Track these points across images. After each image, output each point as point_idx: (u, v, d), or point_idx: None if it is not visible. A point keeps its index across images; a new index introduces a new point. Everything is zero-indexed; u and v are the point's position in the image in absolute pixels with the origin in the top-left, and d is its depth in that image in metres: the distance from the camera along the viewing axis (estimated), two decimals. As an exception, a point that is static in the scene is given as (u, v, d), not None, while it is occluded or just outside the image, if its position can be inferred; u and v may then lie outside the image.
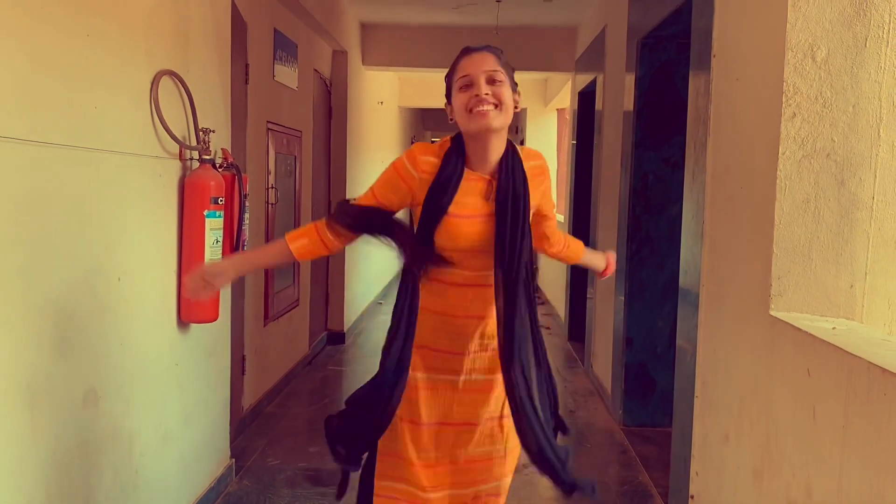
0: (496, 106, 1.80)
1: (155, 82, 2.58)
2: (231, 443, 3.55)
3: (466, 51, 1.87)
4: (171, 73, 2.71)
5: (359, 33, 7.14)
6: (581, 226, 6.45)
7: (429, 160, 1.86)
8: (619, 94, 4.75)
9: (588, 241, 5.89)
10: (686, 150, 3.13)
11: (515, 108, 1.85)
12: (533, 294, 1.96)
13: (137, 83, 2.50)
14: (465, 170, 1.86)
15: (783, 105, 2.18)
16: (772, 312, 2.22)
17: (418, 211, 1.88)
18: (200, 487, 3.12)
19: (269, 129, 4.47)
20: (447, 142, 1.89)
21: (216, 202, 2.80)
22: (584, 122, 6.54)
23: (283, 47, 4.76)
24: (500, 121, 1.81)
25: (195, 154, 2.88)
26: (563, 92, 8.73)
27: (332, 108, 6.50)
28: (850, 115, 2.16)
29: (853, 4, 2.14)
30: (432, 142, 2.24)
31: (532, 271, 1.93)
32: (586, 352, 5.75)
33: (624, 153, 4.53)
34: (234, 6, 3.60)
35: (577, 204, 6.65)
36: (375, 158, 8.28)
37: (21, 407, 1.90)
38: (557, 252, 2.27)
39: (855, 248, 2.19)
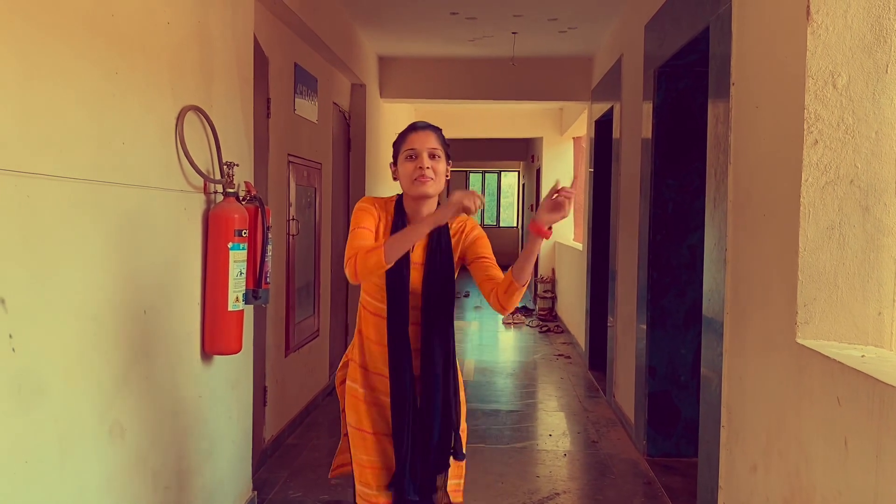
0: (433, 178, 2.23)
1: (180, 118, 2.63)
2: (253, 475, 3.54)
3: (413, 127, 2.28)
4: (196, 109, 2.75)
5: (377, 67, 7.24)
6: (600, 254, 6.44)
7: (379, 210, 2.30)
8: (637, 122, 4.77)
9: (608, 269, 5.88)
10: (706, 177, 3.13)
11: (447, 176, 2.29)
12: (450, 331, 2.33)
13: (163, 119, 2.54)
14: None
15: (805, 132, 2.18)
16: (798, 340, 2.19)
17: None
18: (223, 520, 3.11)
19: (289, 161, 4.52)
20: (390, 200, 2.33)
21: (240, 234, 2.83)
22: (601, 151, 6.55)
23: (304, 81, 4.83)
24: (434, 188, 2.24)
25: (219, 187, 2.92)
26: (580, 121, 8.77)
27: (350, 140, 6.57)
28: (872, 141, 2.16)
29: (873, 31, 2.14)
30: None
31: (452, 312, 2.32)
32: (608, 381, 5.70)
33: (643, 181, 4.53)
34: (256, 42, 3.66)
35: (595, 232, 6.64)
36: (394, 189, 8.32)
37: (50, 441, 1.91)
38: (511, 282, 2.19)
39: (882, 275, 2.17)
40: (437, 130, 2.29)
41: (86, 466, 2.09)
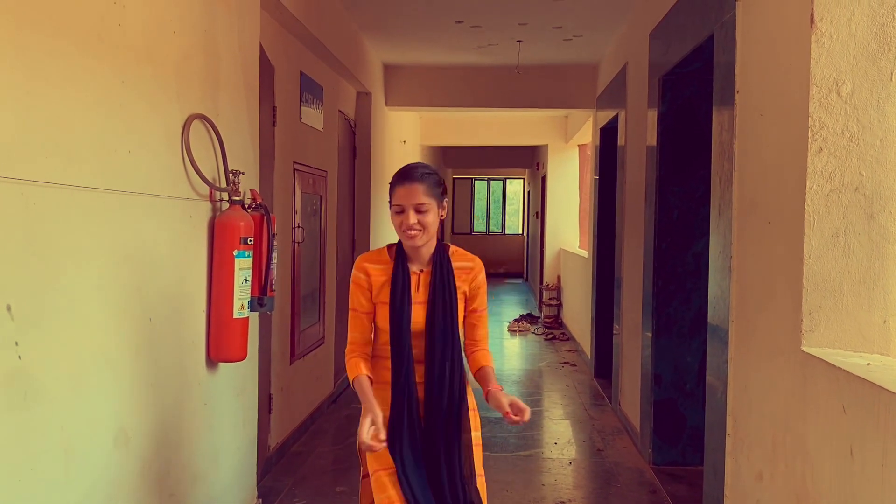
0: (421, 231, 2.23)
1: (186, 126, 2.64)
2: (258, 482, 3.54)
3: (401, 179, 2.25)
4: (202, 117, 2.77)
5: (382, 75, 7.26)
6: (605, 261, 6.43)
7: (373, 266, 2.32)
8: (642, 129, 4.77)
9: (613, 277, 5.87)
10: (711, 185, 3.12)
11: (441, 217, 2.29)
12: (461, 369, 2.32)
13: (169, 127, 2.56)
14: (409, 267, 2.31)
15: (809, 140, 2.18)
16: (804, 348, 2.19)
17: (379, 308, 2.30)
18: (228, 528, 3.11)
19: (295, 169, 4.53)
20: (385, 249, 2.35)
21: (245, 242, 2.84)
22: (606, 158, 6.55)
23: (309, 90, 4.85)
24: (423, 240, 2.25)
25: (225, 195, 2.93)
26: (585, 128, 8.77)
27: (356, 148, 6.59)
28: (877, 149, 2.15)
29: (877, 39, 2.14)
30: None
31: (460, 349, 2.32)
32: (614, 389, 5.68)
33: (648, 188, 4.53)
34: (262, 50, 3.68)
35: (601, 239, 6.64)
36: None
37: (55, 448, 1.92)
38: (473, 350, 2.38)
39: (887, 282, 2.17)
40: (426, 179, 2.24)
41: (91, 473, 2.09)
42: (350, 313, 2.34)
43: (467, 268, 2.35)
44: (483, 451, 2.39)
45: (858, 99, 2.15)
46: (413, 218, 2.21)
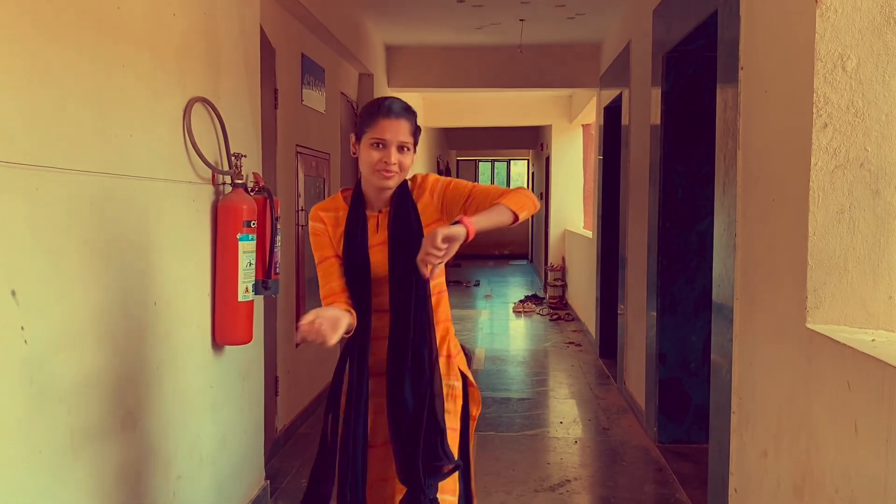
0: (398, 172, 2.04)
1: (187, 109, 2.63)
2: (266, 464, 3.57)
3: (387, 111, 2.03)
4: (203, 101, 2.76)
5: (384, 56, 7.22)
6: (610, 241, 6.42)
7: (327, 214, 2.14)
8: (646, 108, 4.74)
9: (618, 257, 5.86)
10: (715, 163, 3.11)
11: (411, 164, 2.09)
12: (428, 316, 2.07)
13: (171, 111, 2.55)
14: (366, 212, 2.12)
15: (814, 116, 2.16)
16: (808, 325, 2.18)
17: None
18: (236, 509, 3.14)
19: (298, 152, 4.53)
20: (339, 195, 2.16)
21: (249, 225, 2.84)
22: (610, 138, 6.53)
23: (311, 72, 4.83)
24: (397, 181, 2.06)
25: (227, 179, 2.93)
26: (588, 108, 8.73)
27: (358, 130, 6.56)
28: (883, 124, 2.14)
29: (883, 13, 2.12)
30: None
31: (426, 293, 2.06)
32: (618, 368, 5.70)
33: (652, 167, 4.51)
34: (262, 32, 3.66)
35: (606, 219, 6.62)
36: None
37: (62, 432, 1.93)
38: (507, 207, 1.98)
39: (893, 258, 2.16)
40: (412, 117, 2.07)
41: (99, 457, 2.11)
42: (317, 269, 2.11)
43: (422, 185, 2.11)
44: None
45: (864, 74, 2.13)
46: (395, 156, 2.01)
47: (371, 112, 2.04)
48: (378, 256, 2.07)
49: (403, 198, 2.09)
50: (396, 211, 2.07)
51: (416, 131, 2.07)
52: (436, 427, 2.03)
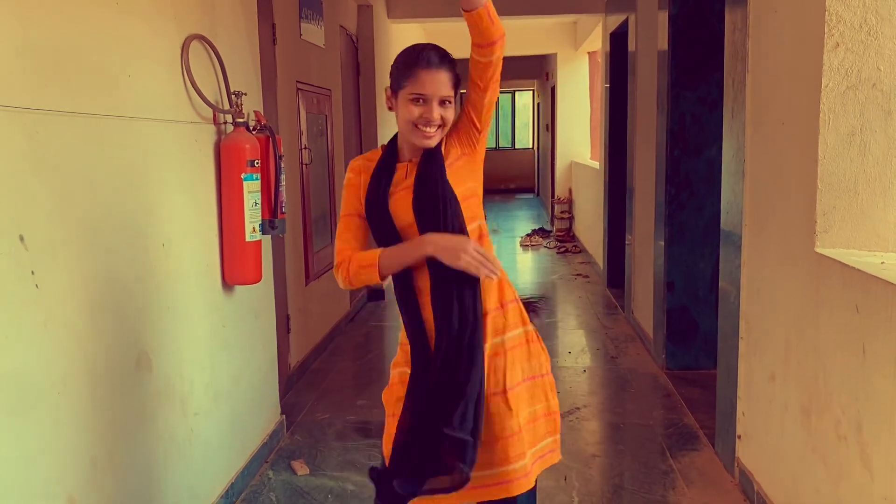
0: (441, 127, 1.88)
1: (185, 47, 2.58)
2: (281, 399, 3.64)
3: (426, 62, 1.85)
4: (201, 38, 2.71)
5: (383, -14, 7.04)
6: (617, 172, 6.37)
7: (363, 163, 2.00)
8: (653, 33, 4.63)
9: (625, 187, 5.82)
10: (724, 87, 3.05)
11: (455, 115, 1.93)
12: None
13: (168, 49, 2.51)
14: (397, 164, 1.96)
15: (825, 35, 2.10)
16: (817, 249, 2.18)
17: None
18: (253, 443, 3.22)
19: (298, 89, 4.46)
20: (380, 150, 2.01)
21: (252, 165, 2.82)
22: (616, 65, 6.40)
23: (309, 4, 4.72)
24: (438, 138, 1.90)
25: (229, 118, 2.89)
26: (594, 34, 8.53)
27: (359, 65, 6.45)
28: (896, 42, 2.08)
29: (899, -76, 2.04)
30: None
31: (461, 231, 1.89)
32: (626, 298, 5.73)
33: (659, 94, 4.44)
34: (257, -34, 3.56)
35: (613, 149, 6.56)
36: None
37: (81, 373, 1.97)
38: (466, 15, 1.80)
39: (904, 180, 2.13)
40: (452, 66, 1.89)
41: (116, 397, 2.15)
42: (340, 222, 1.98)
43: (445, 139, 1.93)
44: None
45: (878, -11, 2.06)
46: (437, 111, 1.85)
47: (408, 63, 1.88)
48: (402, 202, 1.91)
49: (434, 152, 1.93)
50: (425, 160, 1.92)
51: (457, 82, 1.91)
52: (468, 397, 1.83)
